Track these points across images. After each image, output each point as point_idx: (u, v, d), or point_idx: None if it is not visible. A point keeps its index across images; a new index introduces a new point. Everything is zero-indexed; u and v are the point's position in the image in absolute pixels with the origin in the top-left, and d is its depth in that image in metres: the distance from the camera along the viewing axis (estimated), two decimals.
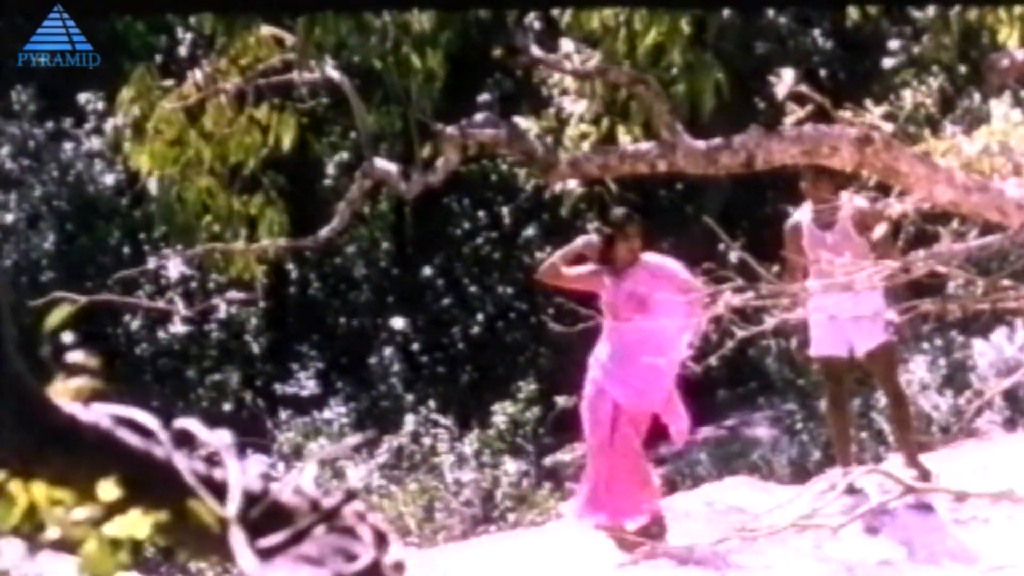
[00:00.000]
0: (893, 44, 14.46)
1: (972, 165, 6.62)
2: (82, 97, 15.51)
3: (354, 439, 10.36)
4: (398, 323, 15.56)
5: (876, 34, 14.99)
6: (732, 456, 13.84)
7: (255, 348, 15.68)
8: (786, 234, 9.54)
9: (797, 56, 14.52)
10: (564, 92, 7.43)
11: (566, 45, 7.19)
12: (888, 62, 14.20)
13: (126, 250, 15.48)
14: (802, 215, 9.55)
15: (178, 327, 15.36)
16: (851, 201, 9.23)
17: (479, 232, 16.22)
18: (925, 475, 9.31)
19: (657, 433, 9.66)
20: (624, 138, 7.22)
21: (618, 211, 9.36)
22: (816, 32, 16.02)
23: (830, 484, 9.04)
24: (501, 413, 12.16)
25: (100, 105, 15.17)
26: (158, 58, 14.01)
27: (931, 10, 9.42)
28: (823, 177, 9.27)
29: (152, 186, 8.29)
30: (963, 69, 14.16)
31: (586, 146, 7.20)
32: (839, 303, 9.14)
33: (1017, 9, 7.35)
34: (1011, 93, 7.19)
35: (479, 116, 7.39)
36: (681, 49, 7.03)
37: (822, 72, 15.42)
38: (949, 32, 8.19)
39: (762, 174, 7.64)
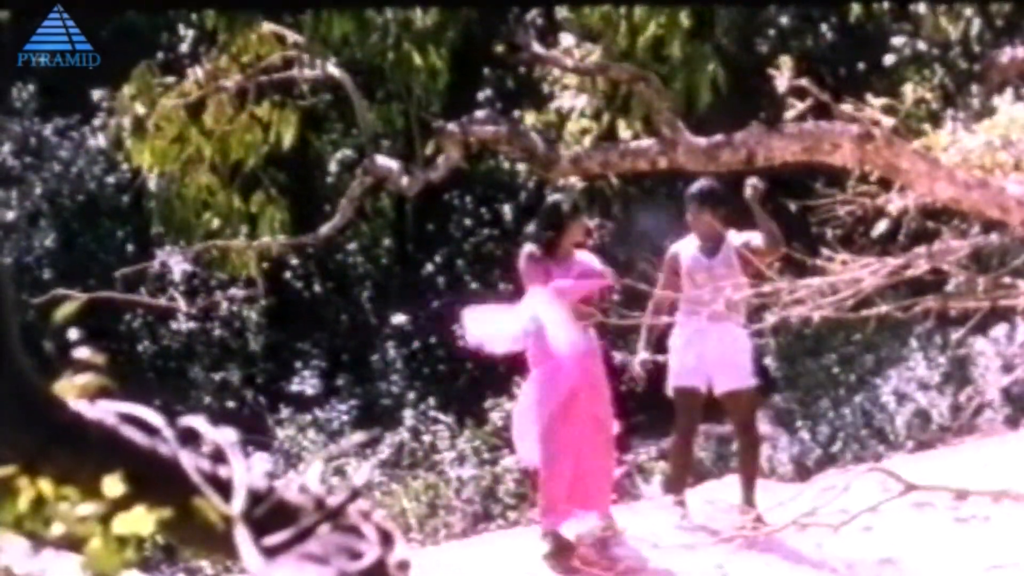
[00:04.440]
0: (897, 41, 14.46)
1: (973, 160, 6.62)
2: (94, 94, 15.48)
3: (358, 437, 10.34)
4: (399, 320, 15.55)
5: (878, 29, 14.99)
6: (733, 454, 13.84)
7: (256, 346, 15.68)
8: (666, 263, 9.53)
9: (799, 53, 14.50)
10: (565, 87, 7.43)
11: (566, 39, 7.19)
12: (890, 58, 14.21)
13: (129, 247, 15.49)
14: (682, 247, 9.55)
15: (180, 324, 15.36)
16: (738, 236, 9.38)
17: (480, 229, 16.22)
18: (757, 519, 9.29)
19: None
20: (624, 133, 7.22)
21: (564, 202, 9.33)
22: (817, 28, 16.01)
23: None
24: (498, 409, 12.13)
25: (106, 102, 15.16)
26: (160, 55, 14.00)
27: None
28: (706, 208, 9.35)
29: (152, 183, 8.30)
30: (964, 64, 14.16)
31: (587, 141, 7.20)
32: (703, 336, 9.18)
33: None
34: (1012, 89, 7.20)
35: (480, 113, 7.39)
36: (680, 42, 7.03)
37: (824, 68, 15.42)
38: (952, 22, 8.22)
39: (763, 171, 7.65)
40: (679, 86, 7.10)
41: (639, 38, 7.00)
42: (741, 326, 9.14)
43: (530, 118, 7.50)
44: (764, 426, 14.68)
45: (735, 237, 9.47)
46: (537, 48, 7.22)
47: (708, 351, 9.33)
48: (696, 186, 9.51)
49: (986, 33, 7.53)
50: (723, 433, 14.54)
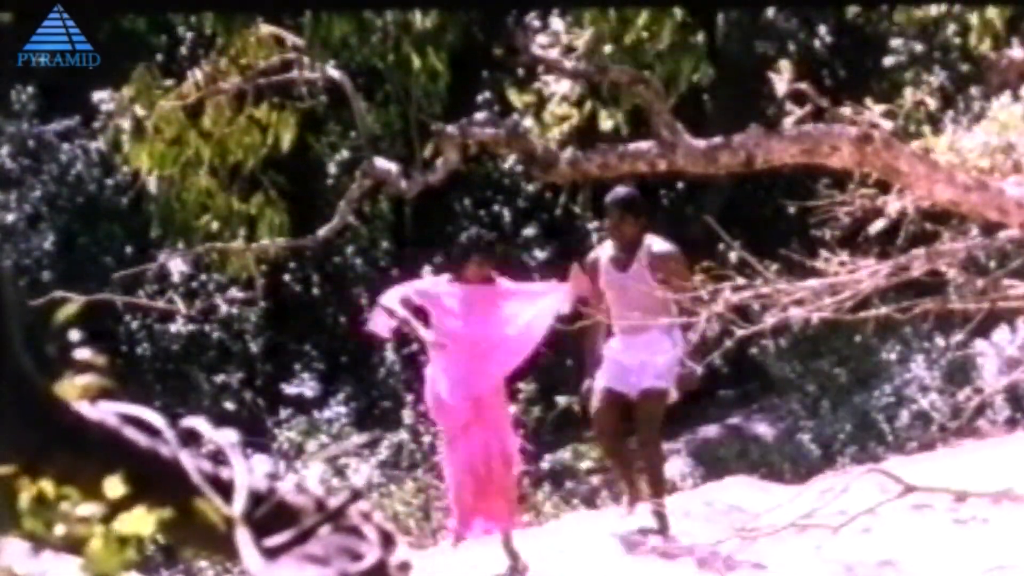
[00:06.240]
0: (895, 42, 14.47)
1: (971, 161, 6.63)
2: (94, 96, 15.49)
3: (359, 438, 10.34)
4: None
5: (877, 32, 15.00)
6: (732, 456, 13.85)
7: (255, 348, 15.69)
8: (586, 266, 9.38)
9: (798, 56, 14.52)
10: (549, 70, 7.39)
11: (555, 23, 7.17)
12: (889, 60, 14.22)
13: (128, 249, 15.50)
14: (602, 251, 9.43)
15: (179, 326, 15.37)
16: (652, 245, 9.25)
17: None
18: (664, 528, 9.22)
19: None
20: (606, 123, 7.21)
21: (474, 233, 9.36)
22: (815, 30, 16.02)
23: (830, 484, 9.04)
24: None
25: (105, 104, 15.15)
26: (159, 57, 14.00)
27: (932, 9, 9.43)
28: (628, 217, 9.24)
29: (151, 186, 8.30)
30: (964, 67, 14.18)
31: (566, 128, 7.19)
32: (631, 348, 9.08)
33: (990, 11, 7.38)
34: (1011, 92, 7.20)
35: (479, 115, 7.39)
36: (671, 31, 7.01)
37: (823, 70, 15.43)
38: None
39: (762, 173, 7.66)
40: (661, 72, 7.05)
41: (629, 28, 6.99)
42: (667, 333, 9.01)
43: (512, 97, 7.48)
44: (762, 428, 14.72)
45: (653, 242, 9.28)
46: (536, 50, 7.22)
47: (629, 363, 9.19)
48: (617, 193, 9.28)
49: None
50: (707, 437, 14.58)
